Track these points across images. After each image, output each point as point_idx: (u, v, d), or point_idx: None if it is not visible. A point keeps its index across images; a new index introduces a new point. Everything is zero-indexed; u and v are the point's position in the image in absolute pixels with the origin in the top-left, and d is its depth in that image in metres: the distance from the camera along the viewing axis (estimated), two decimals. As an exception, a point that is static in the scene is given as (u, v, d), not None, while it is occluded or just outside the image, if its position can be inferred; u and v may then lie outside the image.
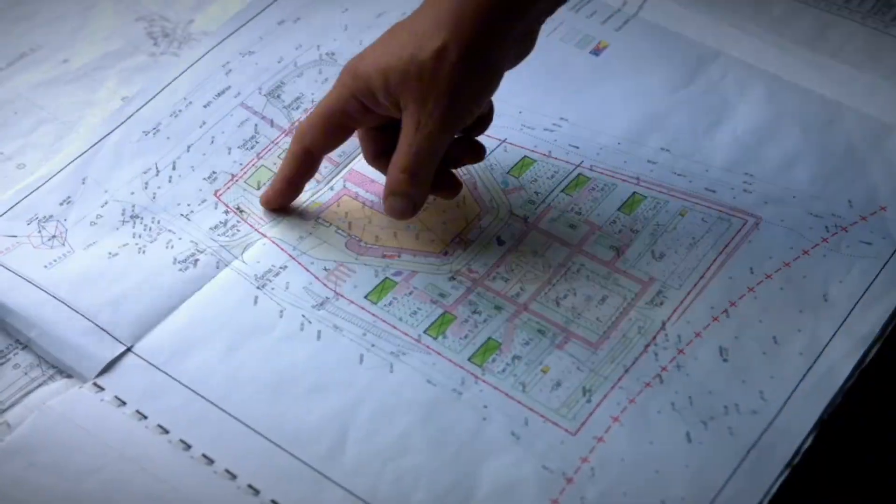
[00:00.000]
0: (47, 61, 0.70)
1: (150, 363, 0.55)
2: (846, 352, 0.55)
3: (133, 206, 0.62)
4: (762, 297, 0.57)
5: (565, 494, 0.51)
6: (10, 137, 0.66)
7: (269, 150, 0.64)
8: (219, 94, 0.67)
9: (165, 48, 0.71)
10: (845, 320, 0.56)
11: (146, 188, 0.62)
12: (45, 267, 0.58)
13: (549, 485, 0.51)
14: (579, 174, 0.63)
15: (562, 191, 0.62)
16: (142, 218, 0.61)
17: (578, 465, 0.51)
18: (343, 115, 0.57)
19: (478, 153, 0.59)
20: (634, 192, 0.62)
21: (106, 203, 0.62)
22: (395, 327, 0.56)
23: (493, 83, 0.56)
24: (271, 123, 0.66)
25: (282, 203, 0.60)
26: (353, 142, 0.65)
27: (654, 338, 0.56)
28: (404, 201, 0.57)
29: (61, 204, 0.62)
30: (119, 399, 0.54)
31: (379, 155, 0.59)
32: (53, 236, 0.60)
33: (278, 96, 0.67)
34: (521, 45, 0.56)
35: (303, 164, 0.59)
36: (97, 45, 0.71)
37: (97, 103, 0.67)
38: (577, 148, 0.64)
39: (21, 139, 0.66)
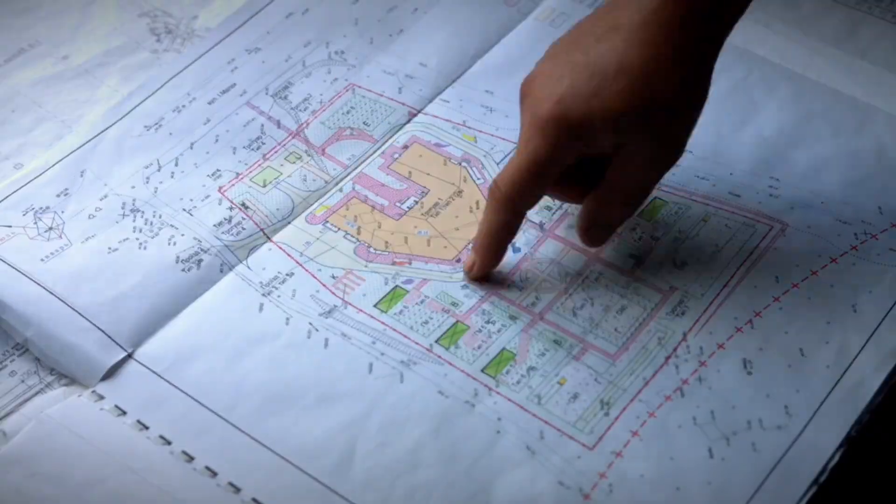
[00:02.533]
0: (47, 57, 0.70)
1: (151, 370, 0.56)
2: (876, 365, 0.55)
3: (133, 199, 0.62)
4: (788, 308, 0.57)
5: (582, 511, 0.51)
6: (8, 136, 0.66)
7: (276, 151, 0.65)
8: (224, 92, 0.68)
9: (168, 45, 0.71)
10: (875, 332, 0.56)
11: (147, 182, 0.63)
12: (42, 260, 0.59)
13: (565, 501, 0.51)
14: (598, 178, 0.63)
15: (580, 195, 0.63)
16: (142, 212, 0.62)
17: (596, 481, 0.52)
18: (555, 168, 0.55)
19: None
20: (655, 197, 0.62)
21: (105, 196, 0.62)
22: (405, 336, 0.57)
23: None
24: (278, 124, 0.66)
25: (491, 269, 0.59)
26: (363, 145, 0.66)
27: (675, 349, 0.56)
28: (608, 234, 0.58)
29: (58, 196, 0.62)
30: (119, 408, 0.54)
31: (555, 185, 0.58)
32: (50, 228, 0.61)
33: (285, 97, 0.67)
34: None
35: (515, 229, 0.57)
36: (98, 42, 0.71)
37: (98, 101, 0.68)
38: (596, 151, 0.64)
39: (19, 138, 0.66)
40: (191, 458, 0.53)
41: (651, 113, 0.53)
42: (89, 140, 0.65)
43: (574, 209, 0.62)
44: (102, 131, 0.66)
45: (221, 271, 0.60)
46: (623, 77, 0.52)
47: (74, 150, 0.65)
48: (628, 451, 0.53)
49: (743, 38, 0.70)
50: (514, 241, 0.60)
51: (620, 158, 0.54)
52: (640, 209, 0.58)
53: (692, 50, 0.53)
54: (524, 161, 0.54)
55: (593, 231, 0.57)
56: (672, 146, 0.55)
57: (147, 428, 0.54)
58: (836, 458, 0.52)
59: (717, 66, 0.68)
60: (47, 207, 0.62)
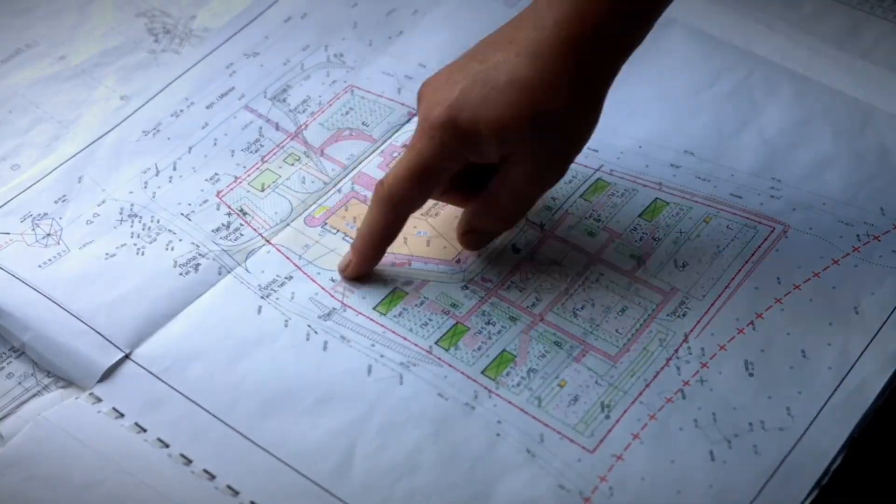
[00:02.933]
0: (44, 58, 0.71)
1: (149, 372, 0.56)
2: (878, 367, 0.55)
3: (131, 205, 0.62)
4: (790, 309, 0.57)
5: (583, 514, 0.51)
6: (5, 137, 0.66)
7: (275, 153, 0.65)
8: (222, 96, 0.68)
9: (167, 45, 0.72)
10: (877, 334, 0.56)
11: (145, 187, 0.63)
12: (40, 266, 0.59)
13: (565, 504, 0.51)
14: (598, 179, 0.63)
15: (580, 196, 0.63)
16: (140, 217, 0.62)
17: (596, 485, 0.52)
18: (441, 171, 0.56)
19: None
20: (656, 198, 0.62)
21: (103, 202, 0.63)
22: (404, 338, 0.57)
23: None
24: (276, 127, 0.66)
25: (368, 272, 0.59)
26: (363, 144, 0.66)
27: (676, 351, 0.56)
28: (486, 240, 0.59)
29: (56, 202, 0.63)
30: (117, 411, 0.54)
31: (447, 191, 0.59)
32: (48, 234, 0.61)
33: (284, 100, 0.68)
34: None
35: (395, 230, 0.57)
36: (96, 42, 0.72)
37: (95, 102, 0.68)
38: (596, 151, 0.65)
39: (16, 139, 0.66)
40: (189, 461, 0.53)
41: (536, 127, 0.53)
42: (87, 146, 0.65)
43: (574, 209, 0.62)
44: (100, 137, 0.66)
45: (220, 274, 0.60)
46: (512, 89, 0.53)
47: (72, 156, 0.65)
48: (629, 453, 0.53)
49: (744, 38, 0.70)
50: (514, 242, 0.61)
51: (504, 170, 0.56)
52: (517, 222, 0.60)
53: (585, 72, 0.54)
54: (411, 162, 0.55)
55: (469, 236, 0.59)
56: (554, 164, 0.56)
57: (145, 430, 0.54)
58: (839, 460, 0.52)
59: (719, 66, 0.69)
60: (45, 214, 0.62)
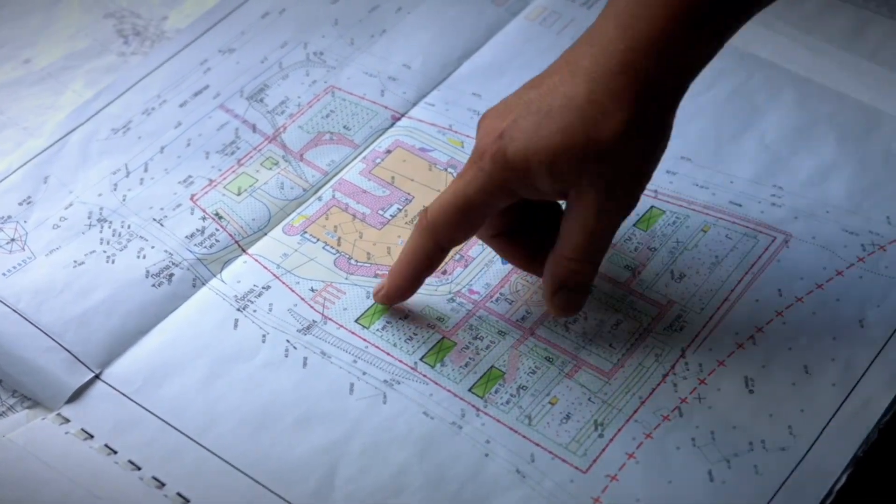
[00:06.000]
0: (8, 61, 0.71)
1: (120, 392, 0.56)
2: (884, 382, 0.55)
3: (101, 208, 0.63)
4: (792, 323, 0.58)
5: (575, 538, 0.51)
6: (-33, 143, 0.67)
7: (251, 156, 0.66)
8: (196, 94, 0.68)
9: (136, 47, 0.72)
10: (883, 348, 0.57)
11: (115, 189, 0.63)
12: (4, 275, 0.60)
13: (557, 528, 0.52)
14: (592, 186, 0.64)
15: (572, 204, 0.63)
16: (110, 222, 0.62)
17: (590, 506, 0.52)
18: (486, 207, 0.54)
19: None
20: (652, 206, 0.63)
21: (70, 205, 0.63)
22: (388, 354, 0.57)
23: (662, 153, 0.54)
24: (253, 129, 0.67)
25: (403, 299, 0.58)
26: (344, 150, 0.66)
27: (673, 366, 0.57)
28: (581, 295, 0.55)
29: (20, 204, 0.63)
30: (86, 432, 0.55)
31: (497, 234, 0.57)
32: (12, 239, 0.61)
33: (261, 100, 0.68)
34: None
35: (433, 261, 0.56)
36: (62, 44, 0.72)
37: (62, 107, 0.68)
38: (590, 157, 0.65)
39: (-22, 145, 0.67)
40: (161, 485, 0.53)
41: (592, 153, 0.51)
42: (53, 143, 0.65)
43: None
44: (67, 134, 0.66)
45: (194, 286, 0.60)
46: (564, 113, 0.51)
47: (37, 155, 0.65)
48: (624, 474, 0.53)
49: (743, 39, 0.70)
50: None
51: (568, 206, 0.54)
52: (599, 264, 0.55)
53: (647, 86, 0.51)
54: (456, 193, 0.54)
55: (560, 295, 0.55)
56: (620, 195, 0.53)
57: (115, 452, 0.54)
58: (843, 480, 0.53)
59: (718, 68, 0.69)
60: (9, 217, 0.62)
